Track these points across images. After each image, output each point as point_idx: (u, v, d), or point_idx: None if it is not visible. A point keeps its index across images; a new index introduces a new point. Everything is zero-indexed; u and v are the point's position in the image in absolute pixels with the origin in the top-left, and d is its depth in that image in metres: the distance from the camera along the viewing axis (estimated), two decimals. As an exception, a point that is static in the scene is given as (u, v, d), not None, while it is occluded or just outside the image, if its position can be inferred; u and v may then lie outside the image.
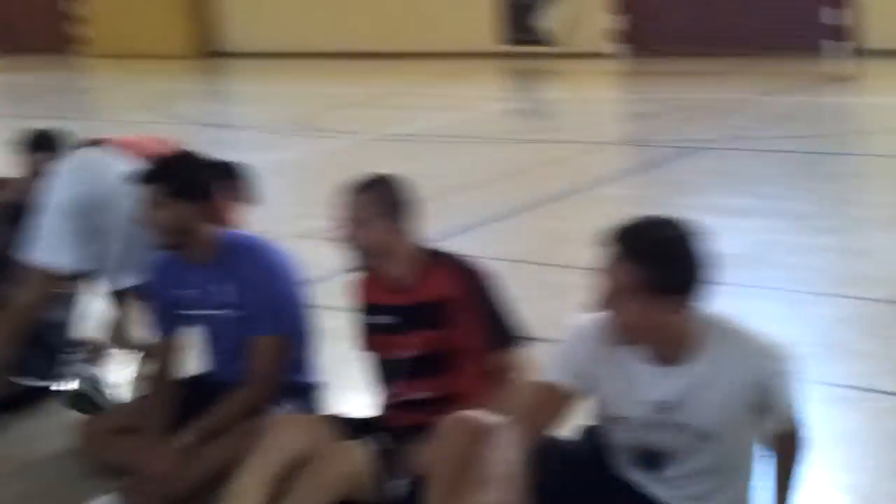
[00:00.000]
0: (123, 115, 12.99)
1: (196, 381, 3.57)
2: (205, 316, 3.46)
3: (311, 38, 18.94)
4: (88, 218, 3.76)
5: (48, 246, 3.72)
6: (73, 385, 4.06)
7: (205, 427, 3.28)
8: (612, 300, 2.44)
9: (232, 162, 4.47)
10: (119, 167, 3.72)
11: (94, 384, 4.05)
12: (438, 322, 3.07)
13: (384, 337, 3.17)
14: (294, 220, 7.23)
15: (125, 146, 3.89)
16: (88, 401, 3.96)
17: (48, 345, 4.07)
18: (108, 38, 21.31)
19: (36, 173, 4.09)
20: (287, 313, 3.43)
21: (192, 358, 3.68)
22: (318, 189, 8.39)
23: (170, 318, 3.51)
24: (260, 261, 3.41)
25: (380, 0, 18.04)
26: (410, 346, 3.11)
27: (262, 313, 3.36)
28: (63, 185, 3.78)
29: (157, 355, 3.55)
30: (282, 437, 2.97)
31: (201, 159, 3.52)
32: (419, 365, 3.10)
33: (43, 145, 4.18)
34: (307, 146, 10.36)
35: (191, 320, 3.50)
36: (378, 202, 3.07)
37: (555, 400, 2.62)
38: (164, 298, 3.51)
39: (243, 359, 3.38)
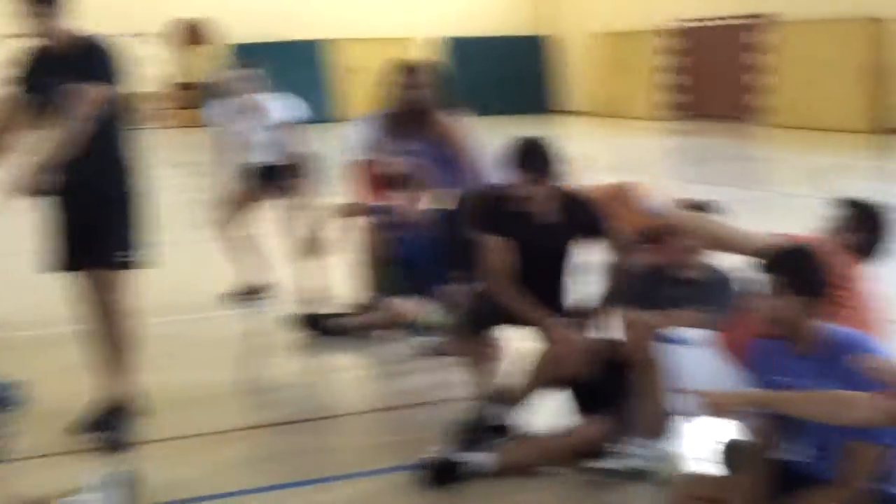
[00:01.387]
0: (779, 187, 12.97)
1: (788, 466, 3.46)
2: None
3: None
4: None
5: None
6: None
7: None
8: None
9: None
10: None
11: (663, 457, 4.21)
12: None
13: None
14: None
15: None
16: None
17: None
18: (789, 109, 21.47)
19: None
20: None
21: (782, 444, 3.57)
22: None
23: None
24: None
25: None
26: None
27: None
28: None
29: (761, 435, 3.46)
30: None
31: (816, 257, 3.40)
32: None
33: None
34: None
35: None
36: None
37: None
38: (761, 381, 3.42)
39: (834, 456, 3.18)
